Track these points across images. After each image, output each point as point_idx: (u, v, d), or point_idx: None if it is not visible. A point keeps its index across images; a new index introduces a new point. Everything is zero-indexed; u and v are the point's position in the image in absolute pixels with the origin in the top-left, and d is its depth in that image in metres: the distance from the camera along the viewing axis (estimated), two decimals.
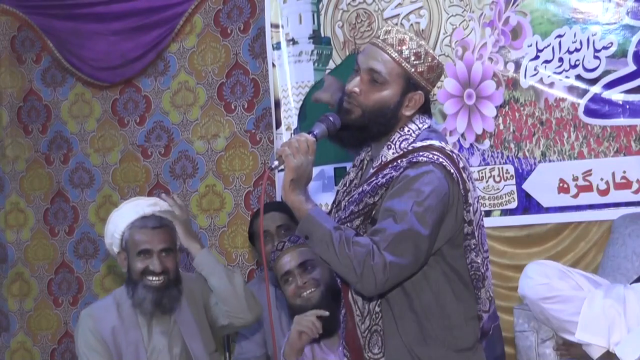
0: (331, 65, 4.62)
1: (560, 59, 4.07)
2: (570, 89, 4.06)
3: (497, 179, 4.21)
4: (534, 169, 4.13)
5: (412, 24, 4.40)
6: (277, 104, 4.74)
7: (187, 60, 5.20)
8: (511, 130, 4.18)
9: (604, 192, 4.00)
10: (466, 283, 2.42)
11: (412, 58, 2.42)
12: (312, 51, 4.66)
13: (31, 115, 5.60)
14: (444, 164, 2.34)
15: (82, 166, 5.48)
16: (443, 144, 2.41)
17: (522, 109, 4.16)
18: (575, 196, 4.05)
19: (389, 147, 2.43)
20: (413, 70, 2.42)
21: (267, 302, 2.63)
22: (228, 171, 5.12)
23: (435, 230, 2.30)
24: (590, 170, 4.02)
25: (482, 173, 4.23)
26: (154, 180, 5.30)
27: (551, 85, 4.10)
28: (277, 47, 4.75)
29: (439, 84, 3.76)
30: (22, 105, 5.62)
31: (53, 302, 5.54)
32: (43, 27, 5.39)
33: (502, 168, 4.21)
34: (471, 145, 4.26)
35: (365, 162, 2.56)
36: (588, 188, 4.03)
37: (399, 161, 2.38)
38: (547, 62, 4.11)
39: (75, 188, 5.49)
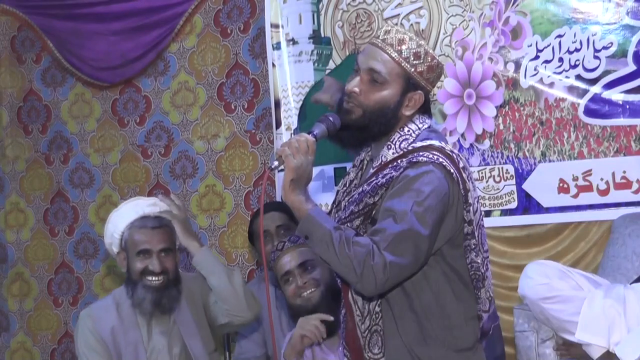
0: (331, 65, 4.62)
1: (560, 59, 4.07)
2: (570, 89, 4.06)
3: (497, 179, 4.21)
4: (534, 169, 4.13)
5: (412, 24, 4.40)
6: (277, 104, 4.74)
7: (187, 60, 5.20)
8: (511, 130, 4.18)
9: (604, 192, 4.00)
10: (466, 283, 2.42)
11: (412, 58, 2.42)
12: (312, 51, 4.66)
13: (31, 115, 5.60)
14: (444, 163, 2.34)
15: (82, 166, 5.48)
16: (443, 144, 2.41)
17: (522, 109, 4.16)
18: (575, 196, 4.05)
19: (389, 147, 2.43)
20: (413, 70, 2.42)
21: (267, 302, 2.63)
22: (228, 171, 5.12)
23: (435, 230, 2.30)
24: (590, 170, 4.02)
25: (482, 173, 4.23)
26: (154, 180, 5.30)
27: (551, 85, 4.10)
28: (277, 47, 4.75)
29: (439, 84, 3.76)
30: (22, 105, 5.62)
31: (53, 302, 5.54)
32: (43, 27, 5.39)
33: (502, 168, 4.20)
34: (471, 145, 4.26)
35: (365, 162, 2.56)
36: (588, 188, 4.03)
37: (399, 161, 2.38)
38: (547, 62, 4.11)
39: (75, 188, 5.49)
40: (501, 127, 4.20)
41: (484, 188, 4.20)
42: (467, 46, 4.27)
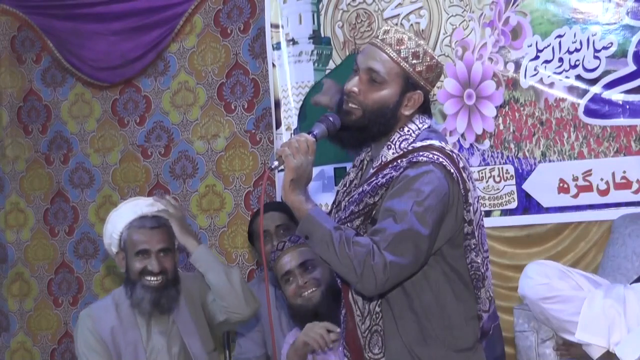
0: (331, 65, 4.62)
1: (560, 59, 4.07)
2: (570, 89, 4.06)
3: (497, 179, 4.21)
4: (534, 169, 4.13)
5: (412, 24, 4.40)
6: (277, 104, 4.74)
7: (187, 60, 5.20)
8: (511, 130, 4.18)
9: (604, 192, 4.00)
10: (466, 283, 2.42)
11: (411, 57, 2.42)
12: (312, 51, 4.66)
13: (31, 115, 5.60)
14: (444, 163, 2.34)
15: (82, 166, 5.48)
16: (443, 144, 2.41)
17: (522, 109, 4.16)
18: (575, 196, 4.05)
19: (389, 147, 2.43)
20: (412, 69, 2.42)
21: (267, 302, 2.63)
22: (228, 171, 5.12)
23: (435, 230, 2.30)
24: (590, 170, 4.02)
25: (482, 173, 4.23)
26: (154, 180, 5.30)
27: (551, 85, 4.10)
28: (277, 47, 4.75)
29: (438, 84, 3.76)
30: (22, 105, 5.62)
31: (53, 302, 5.54)
32: (43, 27, 5.39)
33: (502, 168, 4.20)
34: (471, 145, 4.26)
35: (365, 162, 2.56)
36: (588, 188, 4.02)
37: (399, 161, 2.38)
38: (547, 62, 4.10)
39: (75, 188, 5.49)
40: (501, 127, 4.20)
41: (484, 188, 4.20)
42: (467, 46, 4.27)
